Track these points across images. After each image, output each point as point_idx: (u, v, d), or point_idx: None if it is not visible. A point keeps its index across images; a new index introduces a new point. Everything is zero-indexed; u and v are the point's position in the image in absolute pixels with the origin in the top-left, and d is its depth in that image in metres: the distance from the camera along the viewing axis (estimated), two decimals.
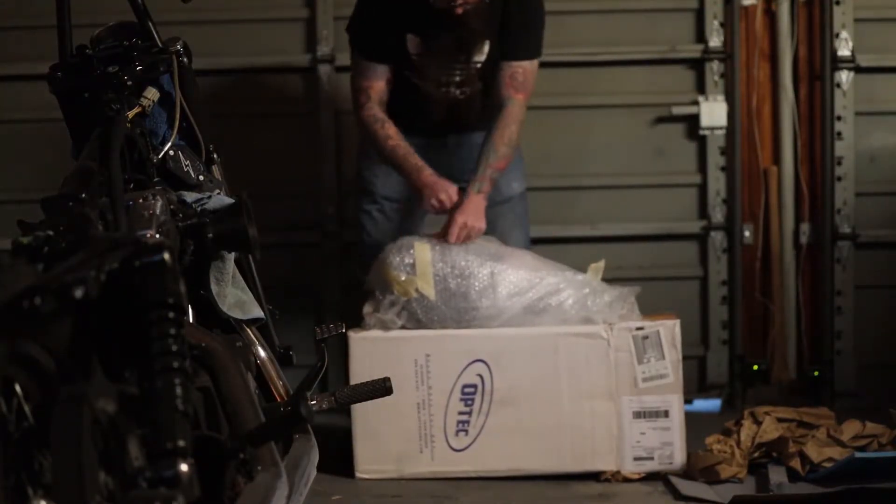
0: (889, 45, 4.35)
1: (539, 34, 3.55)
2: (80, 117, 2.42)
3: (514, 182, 3.69)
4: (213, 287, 2.27)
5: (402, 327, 3.36)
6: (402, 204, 3.71)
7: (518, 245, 3.60)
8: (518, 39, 3.50)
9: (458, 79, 3.54)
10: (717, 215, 4.37)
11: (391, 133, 3.50)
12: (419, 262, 3.35)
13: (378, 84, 3.52)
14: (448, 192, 3.45)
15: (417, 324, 3.35)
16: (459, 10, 3.34)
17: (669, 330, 3.32)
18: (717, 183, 4.36)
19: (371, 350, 3.33)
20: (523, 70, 3.51)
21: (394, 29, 3.46)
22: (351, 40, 3.60)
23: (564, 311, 3.33)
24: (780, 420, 3.36)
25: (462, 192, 3.46)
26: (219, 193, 2.51)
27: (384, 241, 3.57)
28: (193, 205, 2.32)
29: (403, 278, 3.33)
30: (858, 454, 3.16)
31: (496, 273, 3.34)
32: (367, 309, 3.38)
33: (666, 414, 3.31)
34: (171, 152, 2.51)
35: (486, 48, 3.52)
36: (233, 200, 2.34)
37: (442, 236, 3.42)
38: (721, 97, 4.33)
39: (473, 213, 3.42)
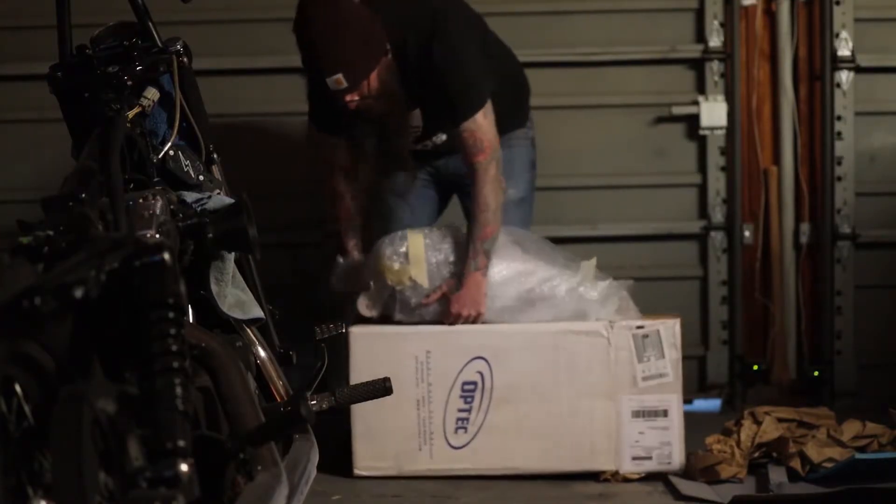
0: (889, 45, 4.35)
1: (469, 88, 3.38)
2: (80, 117, 2.42)
3: (511, 188, 3.68)
4: (213, 287, 2.28)
5: (398, 322, 3.37)
6: (411, 201, 3.72)
7: None
8: (447, 109, 3.39)
9: (399, 143, 3.53)
10: (717, 215, 4.37)
11: (344, 210, 3.60)
12: (413, 251, 3.37)
13: (339, 154, 3.56)
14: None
15: (411, 314, 3.36)
16: (353, 107, 3.30)
17: (669, 329, 3.32)
18: (717, 183, 4.37)
19: (371, 346, 3.34)
20: (470, 133, 3.37)
21: (331, 109, 3.43)
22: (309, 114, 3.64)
23: (557, 301, 3.33)
24: (780, 420, 3.36)
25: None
26: (219, 193, 2.51)
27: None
28: (193, 205, 2.32)
29: (397, 267, 3.35)
30: (859, 455, 3.16)
31: (489, 263, 3.36)
32: (360, 299, 3.41)
33: (665, 413, 3.31)
34: (171, 152, 2.52)
35: (418, 112, 3.49)
36: (233, 200, 2.34)
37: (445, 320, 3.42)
38: (721, 97, 4.33)
39: (470, 301, 3.36)
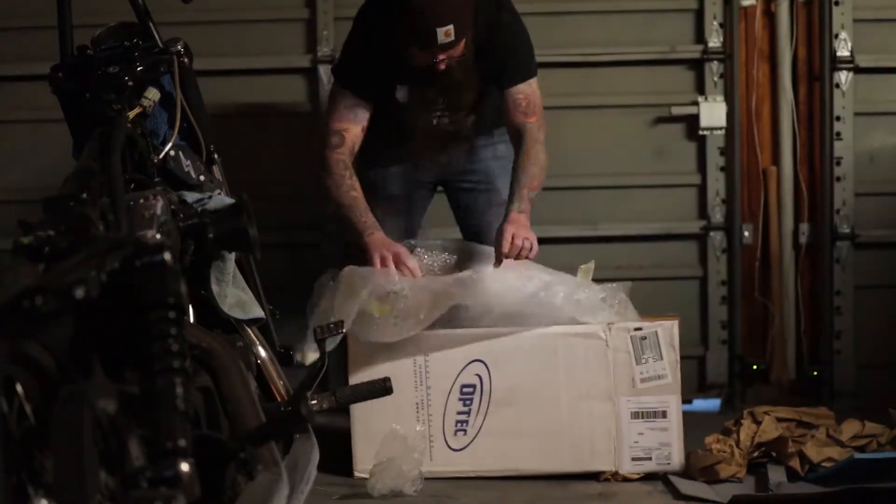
0: (888, 46, 4.36)
1: (528, 53, 3.54)
2: (81, 117, 2.43)
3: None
4: (214, 287, 2.28)
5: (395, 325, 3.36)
6: (404, 202, 3.73)
7: None
8: (508, 67, 3.49)
9: (445, 118, 3.55)
10: (717, 215, 4.38)
11: (356, 186, 3.44)
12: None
13: (354, 129, 3.48)
14: (392, 249, 3.32)
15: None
16: (442, 66, 3.34)
17: (667, 331, 3.32)
18: (716, 183, 4.37)
19: (370, 351, 3.33)
20: (524, 95, 3.49)
21: (384, 74, 3.44)
22: (339, 77, 3.56)
23: (555, 308, 3.33)
24: (779, 420, 3.37)
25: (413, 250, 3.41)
26: (219, 193, 2.52)
27: (388, 236, 3.62)
28: (194, 205, 2.33)
29: (381, 304, 3.27)
30: (858, 455, 3.16)
31: (484, 271, 3.35)
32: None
33: (664, 415, 3.31)
34: (172, 152, 2.53)
35: (476, 87, 3.53)
36: (233, 200, 2.34)
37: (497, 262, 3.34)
38: (720, 97, 4.33)
39: (522, 226, 3.34)
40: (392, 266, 3.29)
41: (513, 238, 3.29)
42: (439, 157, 3.68)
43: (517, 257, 3.33)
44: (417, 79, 3.41)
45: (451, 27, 3.26)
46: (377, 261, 3.29)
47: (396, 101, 3.51)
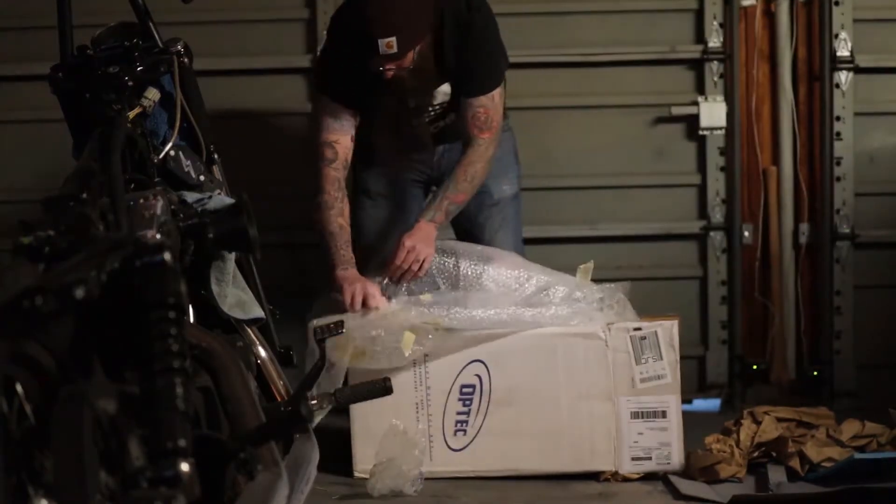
0: (888, 46, 4.35)
1: (497, 62, 3.50)
2: (81, 117, 2.43)
3: (505, 185, 3.70)
4: (214, 287, 2.28)
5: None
6: (393, 199, 3.74)
7: (507, 247, 3.61)
8: (475, 76, 3.45)
9: (418, 121, 3.55)
10: (717, 215, 4.38)
11: (345, 212, 3.45)
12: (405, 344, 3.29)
13: (344, 140, 3.47)
14: (361, 288, 3.31)
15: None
16: (389, 75, 3.33)
17: (667, 331, 3.32)
18: (716, 183, 4.37)
19: None
20: (484, 109, 3.45)
21: (352, 78, 3.44)
22: (316, 84, 3.56)
23: (554, 308, 3.33)
24: (779, 420, 3.37)
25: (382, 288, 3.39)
26: (219, 193, 2.52)
27: (376, 232, 3.66)
28: (194, 205, 2.33)
29: (375, 348, 3.27)
30: (858, 455, 3.16)
31: (484, 273, 3.36)
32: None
33: (664, 414, 3.31)
34: (172, 152, 2.53)
35: (446, 88, 3.51)
36: (233, 200, 2.35)
37: (389, 263, 3.38)
38: (720, 97, 4.33)
39: (422, 239, 3.39)
40: (359, 306, 3.30)
41: (412, 248, 3.36)
42: (426, 157, 3.69)
43: (400, 278, 3.38)
44: (375, 84, 3.40)
45: (392, 39, 3.25)
46: (348, 299, 3.31)
47: (374, 104, 3.52)
